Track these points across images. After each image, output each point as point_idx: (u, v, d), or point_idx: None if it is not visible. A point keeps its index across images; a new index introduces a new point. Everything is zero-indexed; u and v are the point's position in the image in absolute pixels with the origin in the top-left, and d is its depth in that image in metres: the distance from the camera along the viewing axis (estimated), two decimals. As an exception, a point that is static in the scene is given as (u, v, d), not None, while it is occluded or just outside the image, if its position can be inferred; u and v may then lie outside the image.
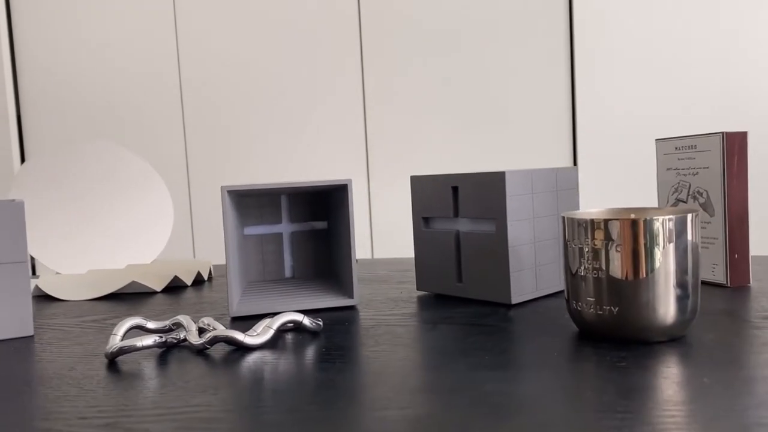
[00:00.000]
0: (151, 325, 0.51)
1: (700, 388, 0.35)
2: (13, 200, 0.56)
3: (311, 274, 0.72)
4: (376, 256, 1.76)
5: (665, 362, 0.40)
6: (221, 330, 0.48)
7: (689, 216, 0.44)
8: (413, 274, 0.80)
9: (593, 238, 0.45)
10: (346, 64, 1.72)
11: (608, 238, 0.44)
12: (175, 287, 0.78)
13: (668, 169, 0.68)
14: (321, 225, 0.72)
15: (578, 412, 0.33)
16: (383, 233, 1.74)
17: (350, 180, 0.60)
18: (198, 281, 0.82)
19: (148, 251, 0.94)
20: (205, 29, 1.74)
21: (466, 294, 0.62)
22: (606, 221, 0.44)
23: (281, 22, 1.73)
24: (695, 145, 0.64)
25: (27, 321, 0.56)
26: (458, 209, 0.62)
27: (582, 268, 0.46)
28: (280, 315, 0.50)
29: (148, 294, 0.75)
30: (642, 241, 0.43)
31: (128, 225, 0.94)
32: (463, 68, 1.68)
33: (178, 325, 0.51)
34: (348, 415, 0.34)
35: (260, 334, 0.48)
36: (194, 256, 1.79)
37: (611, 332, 0.45)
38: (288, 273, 0.71)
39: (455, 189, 0.62)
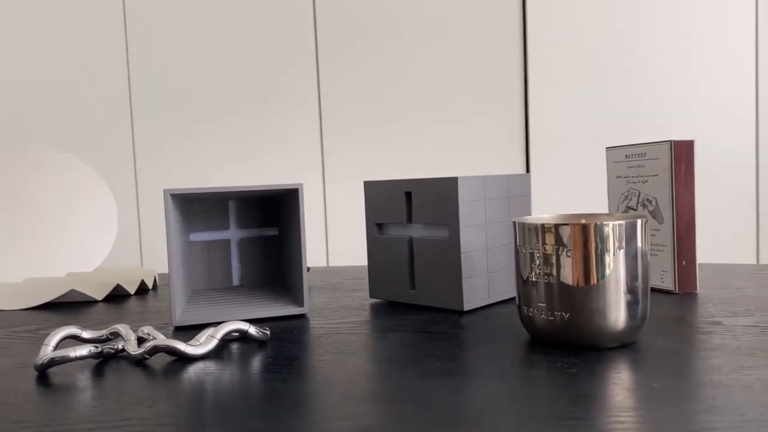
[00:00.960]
0: (86, 334, 0.48)
1: (650, 393, 0.35)
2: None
3: (260, 282, 0.70)
4: (331, 264, 1.74)
5: (616, 368, 0.40)
6: (161, 339, 0.46)
7: (638, 221, 0.44)
8: (367, 281, 0.78)
9: (544, 243, 0.45)
10: (301, 66, 1.70)
11: (559, 243, 0.44)
12: (117, 296, 0.75)
13: (618, 177, 0.69)
14: (271, 231, 0.70)
15: (529, 420, 0.32)
16: (339, 240, 1.72)
17: (301, 184, 0.58)
18: (142, 290, 0.79)
19: (90, 259, 0.90)
20: (154, 28, 1.70)
21: (419, 301, 0.61)
22: (557, 226, 0.44)
23: (234, 21, 1.70)
24: (644, 153, 0.65)
25: (-48, 332, 0.53)
26: (411, 215, 0.61)
27: (533, 273, 0.46)
28: (224, 324, 0.48)
29: (87, 303, 0.71)
30: (593, 246, 0.43)
31: (69, 231, 0.90)
32: (419, 73, 1.68)
33: (116, 335, 0.48)
34: (292, 428, 0.33)
35: (203, 343, 0.46)
36: (141, 264, 1.74)
37: (562, 338, 0.45)
38: (236, 281, 0.69)
39: (408, 194, 0.61)
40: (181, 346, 0.45)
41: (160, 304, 0.69)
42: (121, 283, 0.74)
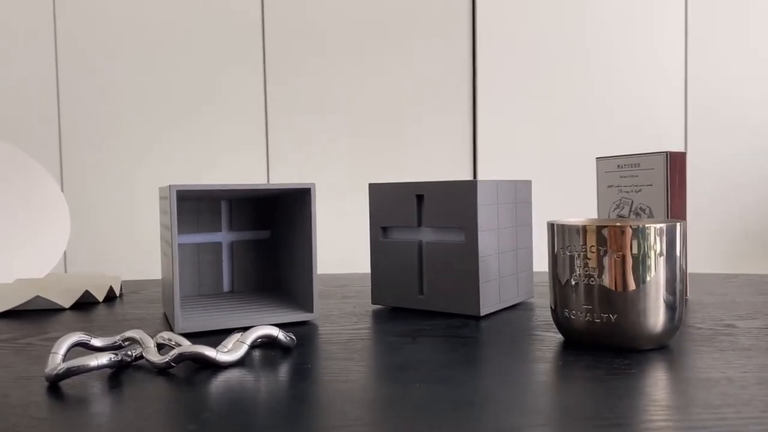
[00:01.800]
0: (96, 342, 0.43)
1: (701, 392, 0.36)
2: None
3: (252, 287, 0.66)
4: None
5: (663, 368, 0.40)
6: (188, 346, 0.42)
7: (678, 225, 0.45)
8: (356, 288, 0.76)
9: (591, 246, 0.45)
10: (247, 67, 1.65)
11: (607, 245, 0.44)
12: (84, 304, 0.69)
13: (609, 186, 0.70)
14: (264, 234, 0.66)
15: (587, 420, 0.31)
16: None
17: (313, 184, 0.55)
18: (109, 297, 0.73)
19: (39, 264, 0.82)
20: (88, 25, 1.60)
21: (428, 306, 0.59)
22: (605, 228, 0.44)
23: (179, 22, 1.63)
24: (639, 164, 0.67)
25: None
26: (421, 218, 0.60)
27: (575, 276, 0.46)
28: (253, 329, 0.45)
29: (53, 311, 0.65)
30: (640, 248, 0.44)
31: (15, 234, 0.82)
32: (367, 76, 1.67)
33: (131, 342, 0.44)
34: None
35: (232, 350, 0.43)
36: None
37: (606, 340, 0.45)
38: (226, 286, 0.65)
39: (419, 197, 0.60)
40: (211, 352, 0.42)
41: (138, 311, 0.64)
42: (90, 290, 0.68)
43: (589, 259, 0.45)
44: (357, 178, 1.67)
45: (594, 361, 0.42)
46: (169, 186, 0.51)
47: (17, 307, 0.64)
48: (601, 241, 0.44)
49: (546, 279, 0.79)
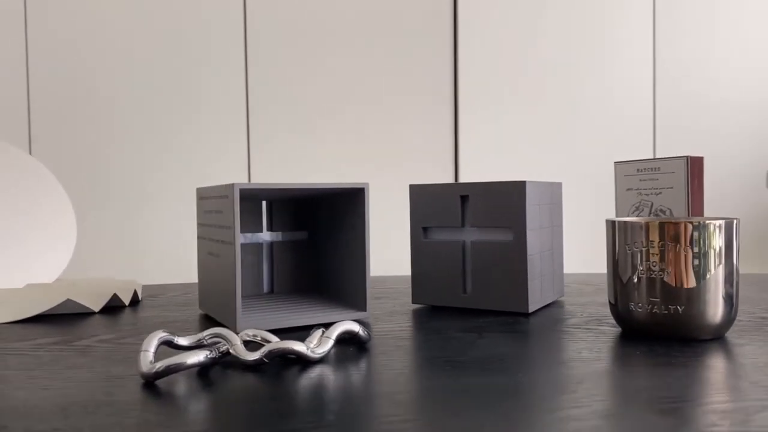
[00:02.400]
0: (181, 340, 0.43)
1: (753, 376, 0.38)
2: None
3: (291, 288, 0.66)
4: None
5: (719, 356, 0.43)
6: (278, 342, 0.42)
7: (734, 222, 0.48)
8: (383, 289, 0.76)
9: (654, 242, 0.47)
10: (228, 67, 1.63)
11: (673, 240, 0.47)
12: (111, 307, 0.67)
13: (629, 189, 0.74)
14: (301, 235, 0.66)
15: (684, 402, 0.34)
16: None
17: (367, 184, 0.56)
18: (132, 302, 0.71)
19: (49, 268, 0.79)
20: (59, 28, 1.55)
21: (473, 304, 0.61)
22: (672, 224, 0.47)
23: (161, 21, 1.60)
24: (659, 168, 0.71)
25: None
26: (464, 218, 0.62)
27: (640, 270, 0.48)
28: (337, 324, 0.45)
29: (82, 315, 0.63)
30: (704, 243, 0.46)
31: (24, 238, 0.79)
32: (351, 75, 1.68)
33: (217, 339, 0.43)
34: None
35: (320, 345, 0.43)
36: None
37: (668, 331, 0.47)
38: (266, 287, 0.65)
39: (463, 198, 0.61)
40: (302, 348, 0.42)
41: (171, 313, 0.62)
42: (118, 293, 0.67)
43: (653, 254, 0.47)
44: (339, 180, 1.66)
45: (655, 351, 0.44)
46: (233, 184, 0.50)
47: (49, 310, 0.61)
48: (667, 237, 0.47)
49: (571, 279, 0.81)
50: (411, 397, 0.35)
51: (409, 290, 0.76)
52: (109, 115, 1.60)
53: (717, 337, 0.48)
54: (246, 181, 1.64)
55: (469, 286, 0.61)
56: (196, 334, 0.46)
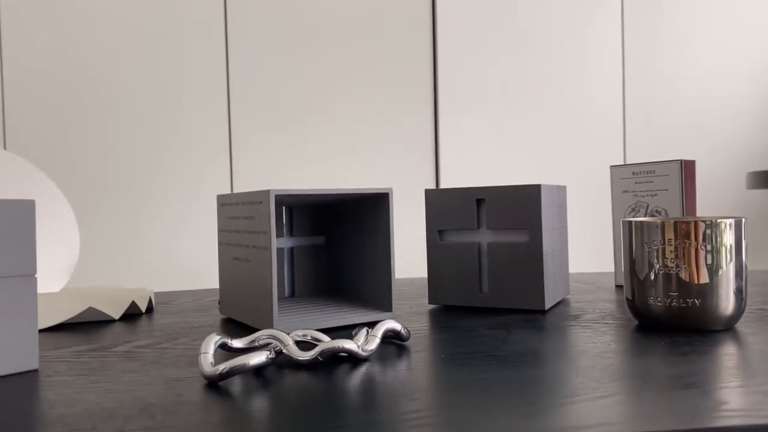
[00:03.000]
0: (237, 343, 0.44)
1: (763, 361, 0.42)
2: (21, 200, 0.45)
3: (311, 292, 0.67)
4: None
5: (730, 344, 0.47)
6: (330, 341, 0.43)
7: (743, 220, 0.52)
8: (397, 292, 0.78)
9: (669, 239, 0.51)
10: (210, 67, 1.63)
11: (689, 238, 0.50)
12: (128, 315, 0.67)
13: (625, 191, 0.78)
14: (318, 240, 0.68)
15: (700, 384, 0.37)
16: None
17: (391, 189, 0.58)
18: (147, 309, 0.71)
19: (54, 277, 0.79)
20: (34, 28, 1.53)
21: (489, 303, 0.63)
22: (687, 223, 0.50)
23: (142, 26, 1.59)
24: (654, 171, 0.75)
25: (31, 350, 0.44)
26: (480, 221, 0.64)
27: (657, 266, 0.51)
28: (381, 323, 0.47)
29: (101, 323, 0.63)
30: (718, 240, 0.50)
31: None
32: (330, 76, 1.70)
33: (268, 340, 0.45)
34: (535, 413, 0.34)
35: (367, 343, 0.45)
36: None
37: (685, 323, 0.51)
38: (287, 291, 0.66)
39: (478, 201, 0.64)
40: (353, 346, 0.43)
41: (192, 319, 0.63)
42: (136, 300, 0.67)
43: (670, 251, 0.51)
44: (319, 184, 1.68)
45: (678, 341, 0.48)
46: (269, 191, 0.52)
47: (71, 319, 0.61)
48: (682, 235, 0.50)
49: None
50: (471, 388, 0.37)
51: (421, 291, 0.78)
52: (92, 119, 1.58)
53: (728, 327, 0.52)
54: (228, 186, 1.64)
55: (486, 286, 0.64)
56: (246, 337, 0.47)
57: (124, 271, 1.57)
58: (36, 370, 0.44)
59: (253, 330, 0.57)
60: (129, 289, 0.75)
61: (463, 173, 1.74)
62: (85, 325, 0.62)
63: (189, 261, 1.60)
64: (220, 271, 0.64)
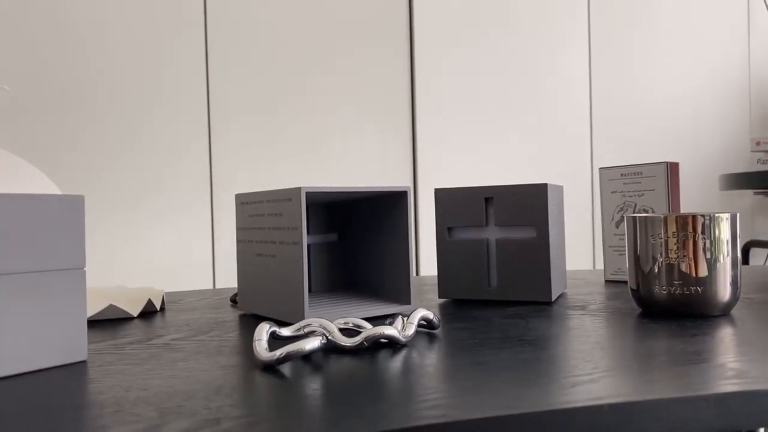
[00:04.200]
0: (285, 331, 0.46)
1: (757, 341, 0.47)
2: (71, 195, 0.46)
3: (327, 287, 0.69)
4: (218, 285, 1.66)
5: (728, 327, 0.51)
6: (372, 328, 0.46)
7: (737, 215, 0.57)
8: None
9: (672, 233, 0.55)
10: (190, 73, 1.63)
11: (692, 231, 0.55)
12: (145, 312, 0.68)
13: (613, 192, 0.83)
14: (332, 237, 0.70)
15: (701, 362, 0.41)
16: (230, 257, 1.66)
17: (408, 187, 0.61)
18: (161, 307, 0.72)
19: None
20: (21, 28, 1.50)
21: (498, 296, 0.67)
22: (689, 218, 0.55)
23: (118, 25, 1.58)
24: (641, 172, 0.80)
25: (81, 341, 0.46)
26: (488, 218, 0.68)
27: (661, 258, 0.55)
28: (416, 312, 0.50)
29: (118, 320, 0.64)
30: (718, 233, 0.54)
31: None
32: (309, 81, 1.72)
33: (313, 328, 0.47)
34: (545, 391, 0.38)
35: (405, 329, 0.48)
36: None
37: (687, 309, 0.55)
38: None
39: (486, 199, 0.68)
40: (395, 332, 0.46)
41: (210, 315, 0.65)
42: (151, 298, 0.68)
43: (673, 243, 0.55)
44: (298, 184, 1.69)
45: (679, 324, 0.52)
46: (300, 188, 0.54)
47: (94, 316, 0.62)
48: (684, 229, 0.55)
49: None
50: (516, 366, 0.40)
51: (425, 288, 0.82)
52: (77, 117, 1.57)
53: (725, 313, 0.56)
54: (208, 190, 1.64)
55: (494, 280, 0.68)
56: (291, 326, 0.50)
57: (110, 273, 1.55)
58: (84, 362, 0.46)
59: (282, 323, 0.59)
60: (141, 287, 0.76)
61: (442, 171, 1.78)
62: (105, 323, 0.62)
63: (181, 262, 1.60)
64: (239, 269, 0.66)
